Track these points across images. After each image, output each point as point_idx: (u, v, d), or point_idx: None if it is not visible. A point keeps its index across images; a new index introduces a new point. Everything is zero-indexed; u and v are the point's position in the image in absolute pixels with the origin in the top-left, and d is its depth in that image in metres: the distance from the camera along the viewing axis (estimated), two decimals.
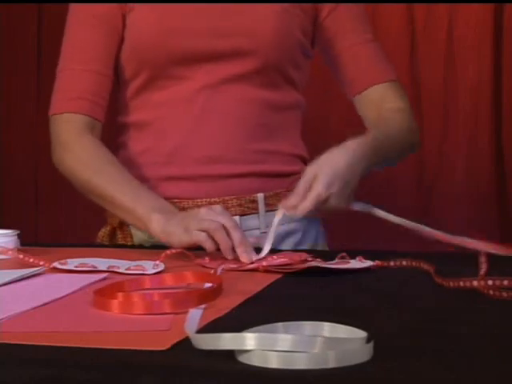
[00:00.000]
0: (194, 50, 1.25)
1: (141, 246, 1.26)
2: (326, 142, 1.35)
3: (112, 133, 1.36)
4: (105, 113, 1.30)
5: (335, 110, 2.09)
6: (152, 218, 1.10)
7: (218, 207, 1.06)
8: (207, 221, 1.02)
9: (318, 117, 1.40)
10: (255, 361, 0.51)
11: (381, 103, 1.31)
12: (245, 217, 1.23)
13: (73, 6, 1.31)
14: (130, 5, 1.27)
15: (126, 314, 0.68)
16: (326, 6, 1.31)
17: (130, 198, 1.16)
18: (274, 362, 0.50)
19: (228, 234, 1.01)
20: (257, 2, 1.28)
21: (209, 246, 1.01)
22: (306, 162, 1.37)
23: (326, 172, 1.05)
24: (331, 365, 0.50)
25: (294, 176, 1.32)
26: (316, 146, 1.39)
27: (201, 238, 1.01)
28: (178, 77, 1.26)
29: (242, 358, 0.52)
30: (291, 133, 1.35)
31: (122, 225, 1.30)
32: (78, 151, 1.25)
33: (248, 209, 1.24)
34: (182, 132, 1.27)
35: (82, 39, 1.29)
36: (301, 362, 0.50)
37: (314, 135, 1.43)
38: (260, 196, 1.26)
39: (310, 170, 1.06)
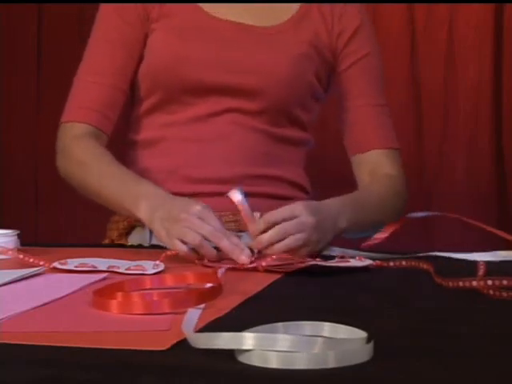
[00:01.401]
0: (205, 82, 1.27)
1: (140, 246, 1.26)
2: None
3: (123, 149, 1.37)
4: (113, 126, 1.31)
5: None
6: (139, 207, 1.10)
7: (196, 209, 1.01)
8: (189, 233, 0.99)
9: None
10: (255, 361, 0.51)
11: (376, 168, 1.34)
12: (240, 233, 1.23)
13: (99, 19, 1.33)
14: (153, 26, 1.28)
15: (126, 314, 0.68)
16: (347, 59, 1.34)
17: (117, 192, 1.17)
18: (273, 362, 0.50)
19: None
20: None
21: (192, 256, 1.01)
22: (307, 192, 1.38)
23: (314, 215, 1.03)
24: (331, 365, 0.50)
25: (293, 200, 1.34)
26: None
27: (183, 251, 1.00)
28: (187, 103, 1.29)
29: (242, 358, 0.52)
30: (293, 164, 1.37)
31: (121, 238, 1.32)
32: (74, 154, 1.27)
33: (244, 225, 1.23)
34: (184, 154, 1.29)
35: (102, 52, 1.30)
36: (301, 362, 0.50)
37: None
38: (256, 214, 1.26)
39: (297, 205, 1.04)
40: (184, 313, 0.65)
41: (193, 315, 0.64)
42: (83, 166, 1.25)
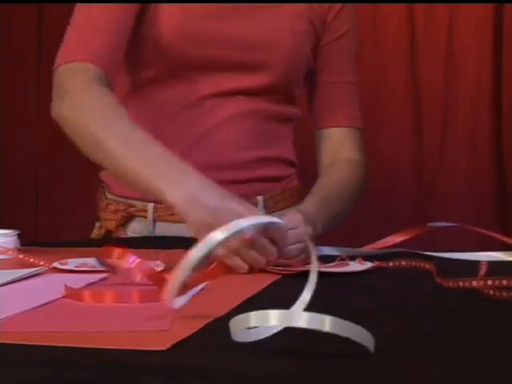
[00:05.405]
0: (212, 58, 1.25)
1: (141, 243, 1.26)
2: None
3: None
4: (114, 83, 1.18)
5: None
6: (175, 193, 0.97)
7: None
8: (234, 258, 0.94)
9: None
10: (254, 322, 0.53)
11: (338, 147, 1.34)
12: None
13: None
14: None
15: (97, 303, 0.71)
16: (329, 34, 1.33)
17: (145, 167, 1.01)
18: (273, 321, 0.53)
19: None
20: (277, 2, 1.28)
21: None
22: (295, 166, 1.40)
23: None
24: (327, 328, 0.52)
25: (287, 178, 1.37)
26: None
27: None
28: (189, 79, 1.26)
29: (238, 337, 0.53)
30: (286, 140, 1.38)
31: (119, 228, 1.30)
32: (86, 100, 1.11)
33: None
34: (185, 139, 1.27)
35: (94, 14, 1.17)
36: (299, 321, 0.52)
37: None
38: (260, 199, 1.28)
39: (295, 216, 1.02)
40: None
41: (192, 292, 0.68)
42: (97, 120, 1.08)
